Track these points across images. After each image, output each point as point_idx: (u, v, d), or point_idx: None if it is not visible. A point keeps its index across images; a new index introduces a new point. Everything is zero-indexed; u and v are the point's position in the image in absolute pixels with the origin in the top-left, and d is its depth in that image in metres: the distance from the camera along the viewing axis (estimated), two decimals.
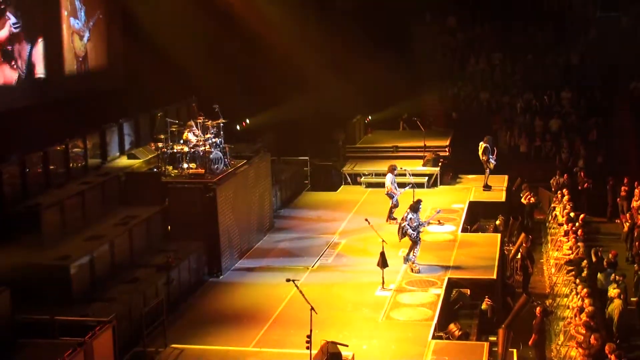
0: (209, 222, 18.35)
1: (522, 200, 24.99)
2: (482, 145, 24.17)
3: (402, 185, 21.88)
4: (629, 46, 32.22)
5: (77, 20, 22.79)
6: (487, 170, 24.37)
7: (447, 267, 18.14)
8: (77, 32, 22.83)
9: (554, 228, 23.42)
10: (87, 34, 23.28)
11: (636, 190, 24.29)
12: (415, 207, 17.98)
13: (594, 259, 19.52)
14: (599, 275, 18.70)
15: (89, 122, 20.71)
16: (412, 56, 33.68)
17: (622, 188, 25.45)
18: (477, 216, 22.70)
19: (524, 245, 20.67)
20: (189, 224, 18.42)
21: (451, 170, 26.32)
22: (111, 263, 16.48)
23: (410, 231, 17.76)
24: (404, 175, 22.24)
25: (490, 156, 24.04)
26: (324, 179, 26.73)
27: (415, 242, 17.94)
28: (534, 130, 30.80)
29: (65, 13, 22.27)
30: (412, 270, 17.95)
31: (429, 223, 18.37)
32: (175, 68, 25.19)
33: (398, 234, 18.10)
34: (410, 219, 17.80)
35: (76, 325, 13.15)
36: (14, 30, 19.89)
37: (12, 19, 19.72)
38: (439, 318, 15.63)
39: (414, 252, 18.01)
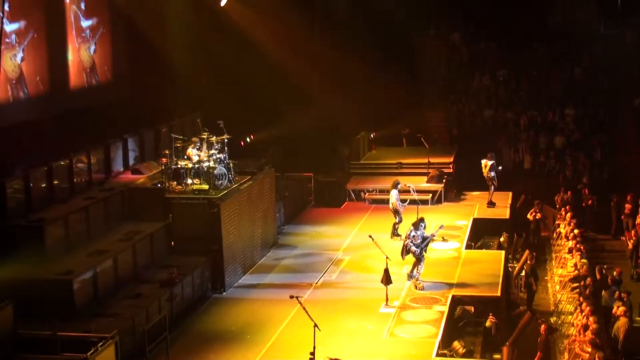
0: (213, 238, 18.34)
1: (528, 216, 24.90)
2: (485, 162, 24.13)
3: (405, 201, 21.85)
4: (632, 62, 32.25)
5: (82, 34, 22.85)
6: (492, 187, 24.33)
7: (451, 285, 18.07)
8: (82, 46, 22.89)
9: (558, 245, 23.35)
10: (92, 47, 23.34)
11: None
12: (417, 225, 17.92)
13: (598, 276, 19.44)
14: (603, 292, 18.62)
15: (93, 137, 20.75)
16: (416, 72, 33.69)
17: (626, 205, 25.35)
18: (481, 233, 22.62)
19: (528, 262, 20.59)
20: (192, 240, 18.46)
21: (455, 187, 26.29)
22: (114, 278, 16.48)
23: (413, 248, 17.69)
24: (408, 191, 22.21)
25: (493, 174, 24.01)
26: (328, 195, 26.69)
27: (419, 259, 17.87)
28: (538, 146, 30.76)
29: (70, 27, 22.32)
30: (416, 287, 17.88)
31: (433, 237, 18.28)
32: (180, 84, 25.26)
33: (402, 252, 18.04)
34: (414, 236, 17.72)
35: (78, 341, 13.14)
36: (18, 43, 19.93)
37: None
38: (443, 335, 15.56)
39: (417, 269, 17.95)
